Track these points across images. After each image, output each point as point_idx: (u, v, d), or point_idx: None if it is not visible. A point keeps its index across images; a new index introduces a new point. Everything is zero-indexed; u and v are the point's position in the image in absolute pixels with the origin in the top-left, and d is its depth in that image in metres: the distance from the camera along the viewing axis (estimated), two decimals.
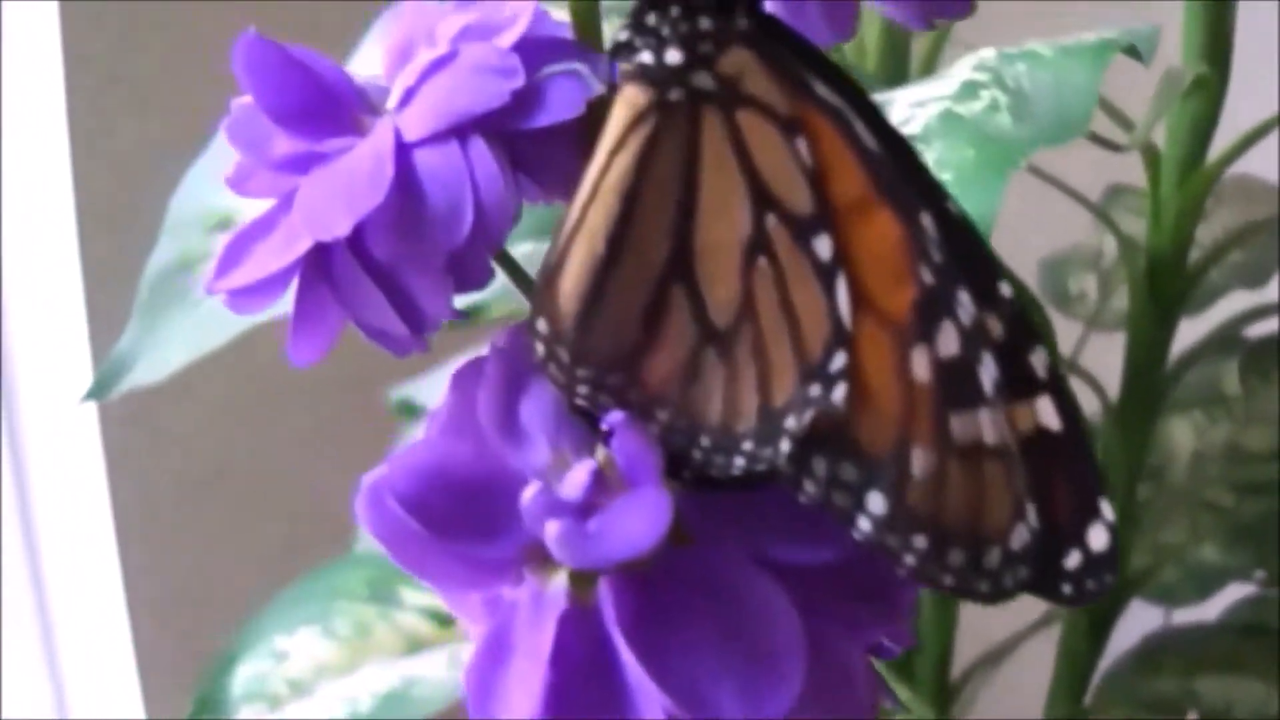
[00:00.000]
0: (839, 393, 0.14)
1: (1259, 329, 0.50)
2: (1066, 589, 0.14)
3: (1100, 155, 0.45)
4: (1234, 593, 0.53)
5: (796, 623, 0.14)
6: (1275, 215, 0.49)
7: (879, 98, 0.32)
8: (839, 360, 0.14)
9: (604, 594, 0.15)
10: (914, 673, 0.50)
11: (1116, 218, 0.52)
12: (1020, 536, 0.14)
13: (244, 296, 0.16)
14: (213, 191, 0.39)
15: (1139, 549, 0.48)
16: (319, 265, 0.16)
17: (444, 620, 0.42)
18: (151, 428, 0.50)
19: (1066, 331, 0.50)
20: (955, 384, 0.14)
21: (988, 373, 0.14)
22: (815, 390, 0.14)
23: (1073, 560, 0.14)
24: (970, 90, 0.30)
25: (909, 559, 0.14)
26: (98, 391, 0.38)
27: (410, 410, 0.47)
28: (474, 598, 0.15)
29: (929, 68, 0.46)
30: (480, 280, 0.15)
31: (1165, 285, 0.45)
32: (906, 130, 0.29)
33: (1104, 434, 0.46)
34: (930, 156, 0.28)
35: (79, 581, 0.51)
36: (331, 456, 0.51)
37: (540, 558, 0.15)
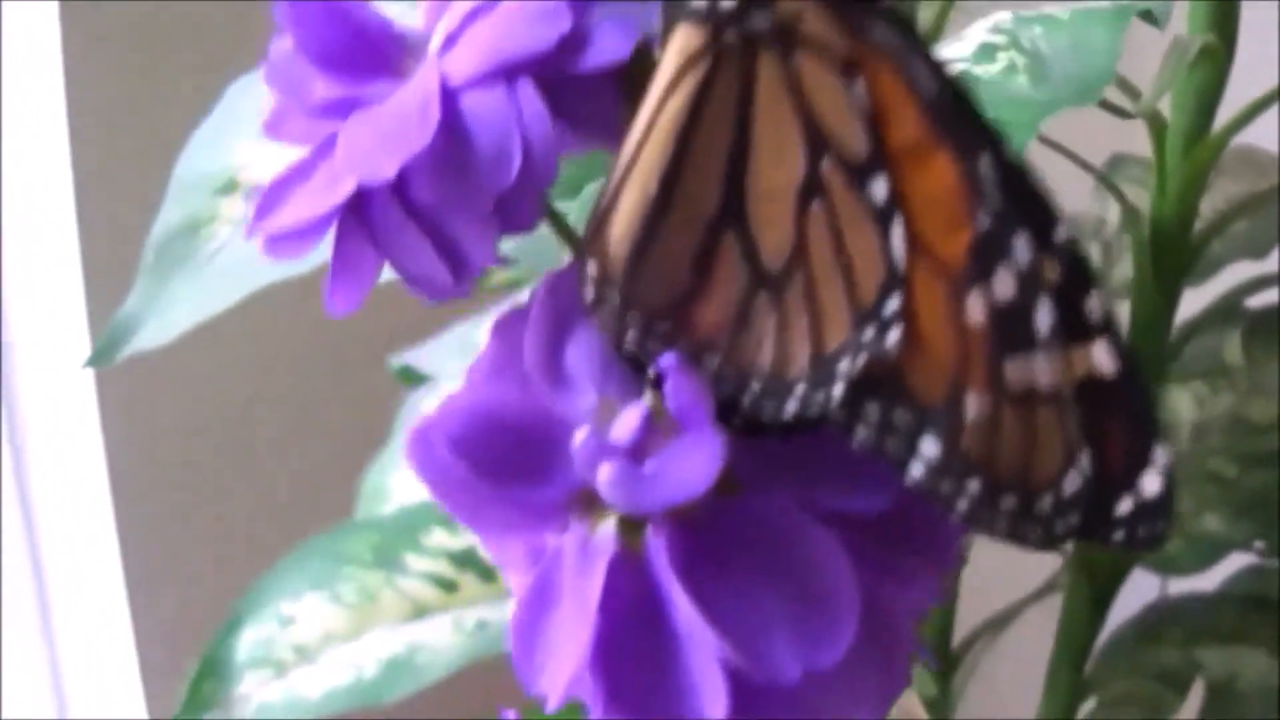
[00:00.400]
0: (893, 337, 0.14)
1: (1261, 299, 0.50)
2: (1118, 535, 0.14)
3: (1103, 125, 0.45)
4: (1235, 562, 0.53)
5: (849, 569, 0.14)
6: (1277, 186, 0.49)
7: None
8: (893, 304, 0.14)
9: (654, 540, 0.14)
10: None
11: (1120, 187, 0.52)
12: (1073, 482, 0.14)
13: (283, 242, 0.16)
14: (219, 154, 0.38)
15: None
16: (359, 211, 0.16)
17: (449, 586, 0.42)
18: (149, 410, 0.50)
19: None
20: (1010, 328, 0.14)
21: (1043, 317, 0.14)
22: (869, 335, 0.14)
23: (1125, 506, 0.14)
24: (988, 52, 0.30)
25: (962, 504, 0.14)
26: (101, 356, 0.37)
27: (412, 377, 0.46)
28: (517, 546, 0.15)
29: (935, 36, 0.45)
30: (527, 223, 0.15)
31: (1168, 255, 0.45)
32: None
33: None
34: None
35: (78, 569, 0.51)
36: (332, 430, 0.51)
37: (588, 503, 0.15)
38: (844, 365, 0.14)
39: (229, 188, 0.38)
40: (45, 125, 0.47)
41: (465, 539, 0.45)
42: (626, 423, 0.14)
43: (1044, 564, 0.50)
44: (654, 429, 0.14)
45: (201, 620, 0.40)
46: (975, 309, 0.14)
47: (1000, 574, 0.51)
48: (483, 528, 0.15)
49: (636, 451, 0.14)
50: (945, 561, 0.15)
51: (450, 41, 0.16)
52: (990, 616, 0.51)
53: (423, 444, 0.15)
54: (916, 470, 0.14)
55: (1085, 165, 0.45)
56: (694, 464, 0.14)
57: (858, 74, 0.14)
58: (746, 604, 0.14)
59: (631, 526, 0.15)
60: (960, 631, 0.52)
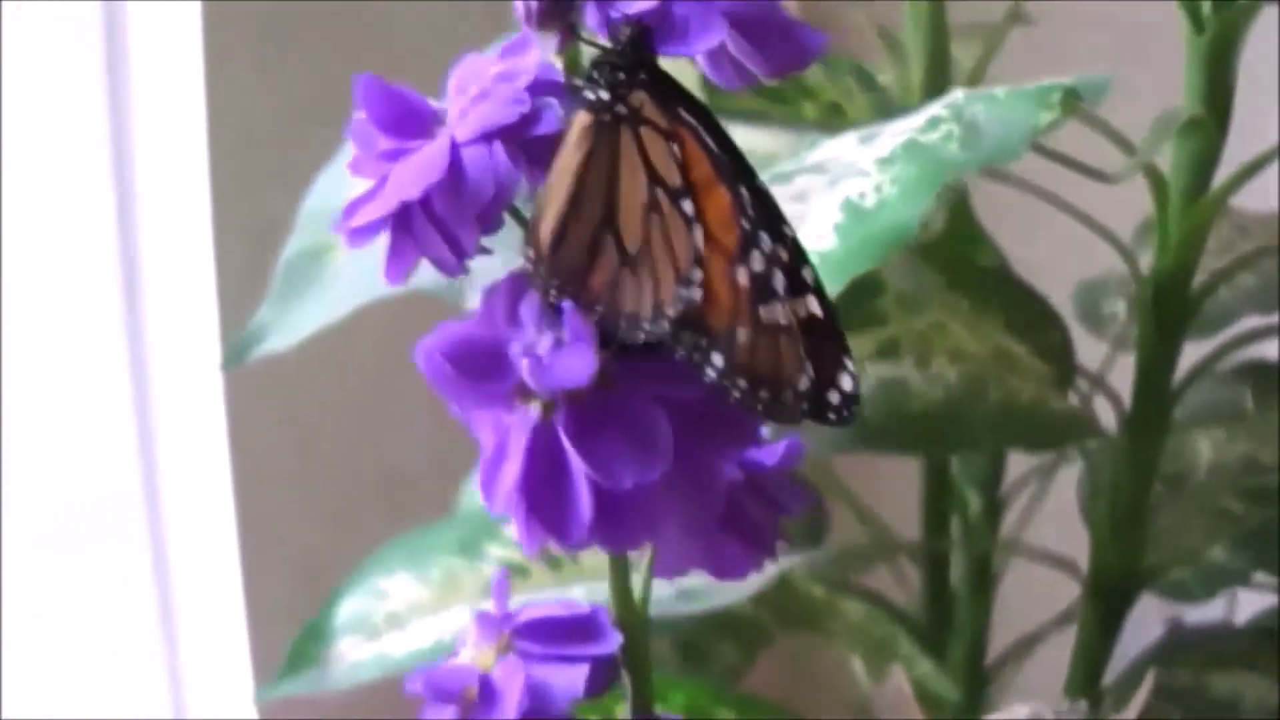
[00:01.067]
0: (696, 293, 0.27)
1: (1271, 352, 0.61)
2: (832, 416, 0.27)
3: (1140, 191, 0.58)
4: (1262, 601, 0.64)
5: (668, 431, 0.27)
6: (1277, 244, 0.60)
7: (873, 129, 0.45)
8: (697, 274, 0.27)
9: (558, 414, 0.28)
10: (946, 653, 0.62)
11: (1147, 248, 0.63)
12: (803, 383, 0.27)
13: (357, 234, 0.30)
14: (340, 193, 0.53)
15: (1154, 549, 0.60)
16: (403, 218, 0.29)
17: (522, 571, 0.56)
18: (273, 409, 0.65)
19: (1098, 350, 0.62)
20: (761, 288, 0.27)
21: (778, 281, 0.27)
22: (684, 292, 0.27)
23: (834, 398, 0.27)
24: (933, 124, 0.43)
25: (735, 394, 0.27)
26: (234, 358, 0.52)
27: None
28: (486, 421, 0.29)
29: (977, 81, 0.58)
30: (496, 227, 0.29)
31: (1169, 307, 0.57)
32: (880, 155, 0.42)
33: (1117, 442, 0.58)
34: (890, 172, 0.41)
35: (198, 543, 0.66)
36: (432, 436, 0.65)
37: (524, 393, 0.28)
38: (670, 310, 0.27)
39: None
40: (188, 168, 0.62)
41: None
42: (544, 343, 0.28)
43: (1064, 595, 0.61)
44: (560, 347, 0.28)
45: (306, 599, 0.54)
46: (742, 276, 0.27)
47: (1027, 604, 0.63)
48: (463, 407, 0.29)
49: (547, 358, 0.27)
50: (745, 434, 0.28)
51: (461, 116, 0.30)
52: (1018, 639, 0.63)
53: (427, 353, 0.28)
54: (710, 374, 0.27)
55: (1097, 227, 0.57)
56: (577, 364, 0.27)
57: (674, 139, 0.27)
58: (607, 450, 0.27)
59: (549, 406, 0.28)
60: (992, 652, 0.64)
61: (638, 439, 0.27)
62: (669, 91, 0.27)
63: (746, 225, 0.27)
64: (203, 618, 0.66)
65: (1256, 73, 0.57)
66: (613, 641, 0.32)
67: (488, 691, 0.31)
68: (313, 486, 0.66)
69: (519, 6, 0.28)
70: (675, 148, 0.27)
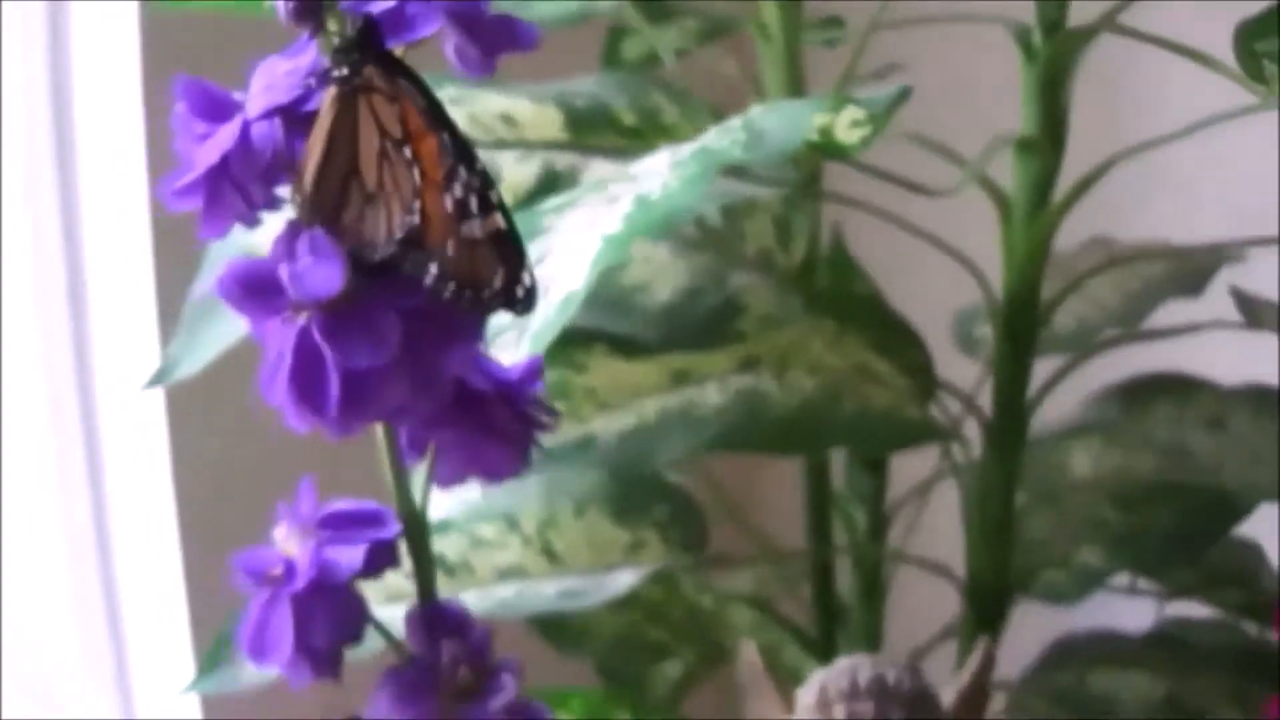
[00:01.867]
0: (416, 219, 0.39)
1: (1145, 365, 0.72)
2: (519, 306, 0.39)
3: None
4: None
5: (396, 328, 0.39)
6: (1127, 262, 0.71)
7: (684, 145, 0.57)
8: (416, 205, 0.39)
9: (314, 317, 0.40)
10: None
11: None
12: (497, 282, 0.39)
13: (177, 197, 0.42)
14: (242, 235, 0.66)
15: (1028, 555, 0.71)
16: (210, 180, 0.42)
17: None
18: (214, 401, 0.77)
19: (972, 371, 0.73)
20: (461, 211, 0.39)
21: (474, 204, 0.39)
22: (408, 219, 0.39)
23: (519, 292, 0.39)
24: (724, 133, 0.56)
25: (447, 295, 0.39)
26: (155, 381, 0.65)
27: None
28: (273, 335, 0.41)
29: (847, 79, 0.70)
30: (279, 183, 0.41)
31: (1019, 320, 0.69)
32: (676, 159, 0.55)
33: (982, 453, 0.70)
34: (679, 172, 0.54)
35: (140, 549, 0.76)
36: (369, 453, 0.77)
37: (296, 306, 0.41)
38: (398, 234, 0.39)
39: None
40: (128, 191, 0.75)
41: (439, 546, 0.70)
42: (303, 263, 0.40)
43: (948, 610, 0.72)
44: (315, 265, 0.40)
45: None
46: (448, 203, 0.39)
47: (917, 618, 0.74)
48: (254, 323, 0.41)
49: (304, 272, 0.40)
50: (465, 336, 0.40)
51: (252, 99, 0.42)
52: (910, 650, 0.73)
53: (222, 281, 0.41)
54: (428, 281, 0.39)
55: (951, 252, 0.69)
56: (327, 276, 0.39)
57: (396, 101, 0.39)
58: (353, 345, 0.39)
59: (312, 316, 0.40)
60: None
61: (373, 334, 0.40)
62: (392, 66, 0.40)
63: (449, 161, 0.39)
64: (147, 618, 0.77)
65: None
66: (391, 529, 0.44)
67: (289, 570, 0.43)
68: (256, 484, 0.78)
69: (279, 6, 0.40)
70: (396, 107, 0.39)
